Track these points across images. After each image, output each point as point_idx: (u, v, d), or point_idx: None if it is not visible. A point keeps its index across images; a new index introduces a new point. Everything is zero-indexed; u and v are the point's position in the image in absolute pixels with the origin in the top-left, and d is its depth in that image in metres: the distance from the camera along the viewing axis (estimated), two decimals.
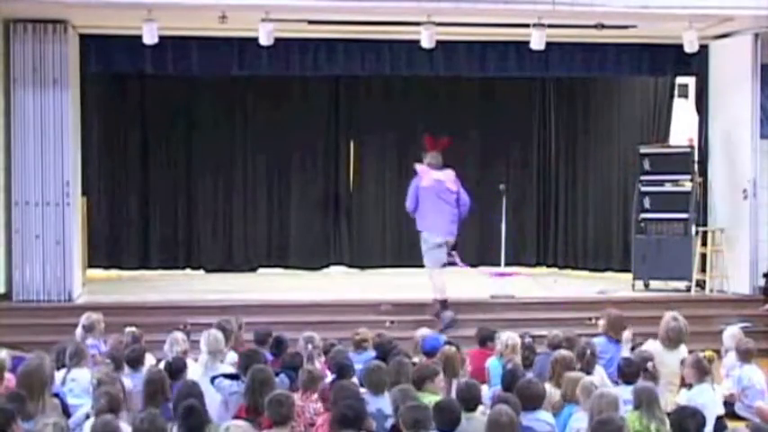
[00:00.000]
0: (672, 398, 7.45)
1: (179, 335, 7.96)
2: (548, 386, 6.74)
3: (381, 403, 6.28)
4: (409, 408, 5.67)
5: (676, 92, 13.93)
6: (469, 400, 6.05)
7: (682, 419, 5.63)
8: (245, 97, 14.91)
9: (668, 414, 6.17)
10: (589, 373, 7.08)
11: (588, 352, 7.38)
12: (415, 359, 7.70)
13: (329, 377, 7.21)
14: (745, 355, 8.31)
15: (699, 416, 5.64)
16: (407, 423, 5.56)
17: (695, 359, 7.32)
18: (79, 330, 8.54)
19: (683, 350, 8.01)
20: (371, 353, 8.02)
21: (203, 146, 14.77)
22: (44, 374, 6.15)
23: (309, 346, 7.66)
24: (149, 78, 13.91)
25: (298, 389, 6.73)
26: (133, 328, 8.40)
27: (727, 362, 8.67)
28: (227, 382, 6.80)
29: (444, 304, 11.02)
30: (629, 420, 5.76)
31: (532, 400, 6.16)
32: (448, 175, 11.17)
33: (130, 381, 6.88)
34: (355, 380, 6.89)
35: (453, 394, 6.48)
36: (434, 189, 11.08)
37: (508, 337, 7.83)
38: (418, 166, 11.31)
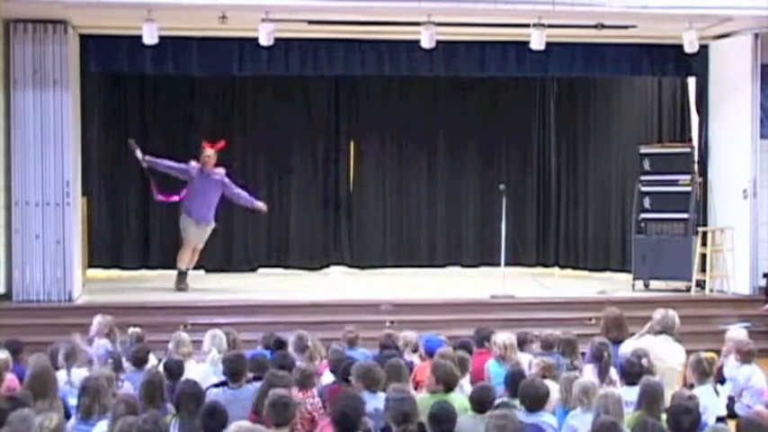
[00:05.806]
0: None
1: (184, 335, 7.95)
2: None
3: (377, 402, 6.20)
4: (398, 401, 5.61)
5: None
6: (482, 402, 5.99)
7: (676, 416, 5.63)
8: (245, 97, 14.90)
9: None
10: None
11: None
12: (407, 358, 7.73)
13: (329, 378, 7.21)
14: (746, 356, 8.31)
15: (694, 413, 5.63)
16: (396, 417, 5.49)
17: (696, 360, 7.30)
18: (94, 328, 8.57)
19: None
20: (362, 350, 8.03)
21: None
22: (53, 376, 6.21)
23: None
24: (149, 78, 13.92)
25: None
26: (137, 329, 8.40)
27: (728, 363, 8.65)
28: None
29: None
30: (629, 422, 5.74)
31: (536, 401, 6.13)
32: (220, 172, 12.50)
33: (130, 382, 6.86)
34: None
35: None
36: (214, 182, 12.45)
37: (504, 338, 7.79)
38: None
